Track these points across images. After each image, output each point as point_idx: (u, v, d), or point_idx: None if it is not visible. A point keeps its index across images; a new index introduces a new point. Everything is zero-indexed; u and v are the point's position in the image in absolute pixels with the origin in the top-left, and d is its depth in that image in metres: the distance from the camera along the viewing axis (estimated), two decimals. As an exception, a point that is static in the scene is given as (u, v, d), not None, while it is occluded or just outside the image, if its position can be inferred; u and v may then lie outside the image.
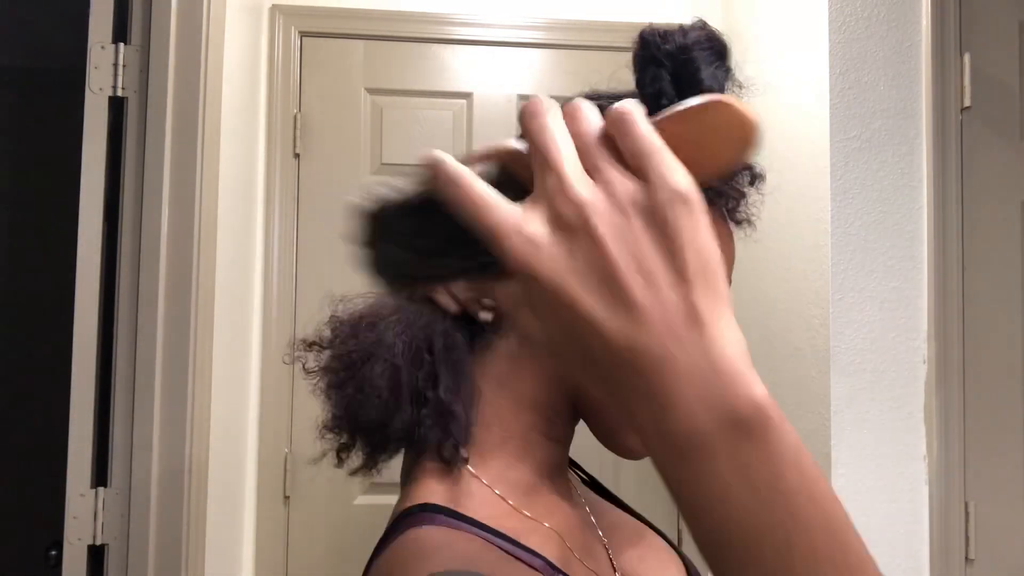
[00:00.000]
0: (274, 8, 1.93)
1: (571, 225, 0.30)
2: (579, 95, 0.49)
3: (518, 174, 0.34)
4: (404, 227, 0.37)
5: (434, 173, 0.33)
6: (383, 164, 1.96)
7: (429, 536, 0.48)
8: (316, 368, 0.58)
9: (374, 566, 0.49)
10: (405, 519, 0.51)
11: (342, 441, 0.57)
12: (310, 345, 0.59)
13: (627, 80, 0.55)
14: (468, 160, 0.34)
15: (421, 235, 0.37)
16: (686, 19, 0.52)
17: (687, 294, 0.30)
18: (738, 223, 0.58)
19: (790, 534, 0.29)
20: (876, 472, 1.38)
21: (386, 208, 0.37)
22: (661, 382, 0.30)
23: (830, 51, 1.42)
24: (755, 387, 0.30)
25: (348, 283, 0.56)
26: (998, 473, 1.40)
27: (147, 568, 1.26)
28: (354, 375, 0.55)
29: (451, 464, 0.54)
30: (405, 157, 1.97)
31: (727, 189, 0.56)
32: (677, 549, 0.68)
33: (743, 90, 0.53)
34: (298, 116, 1.94)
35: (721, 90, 0.49)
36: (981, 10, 1.44)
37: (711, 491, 0.30)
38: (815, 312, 1.45)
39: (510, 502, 0.55)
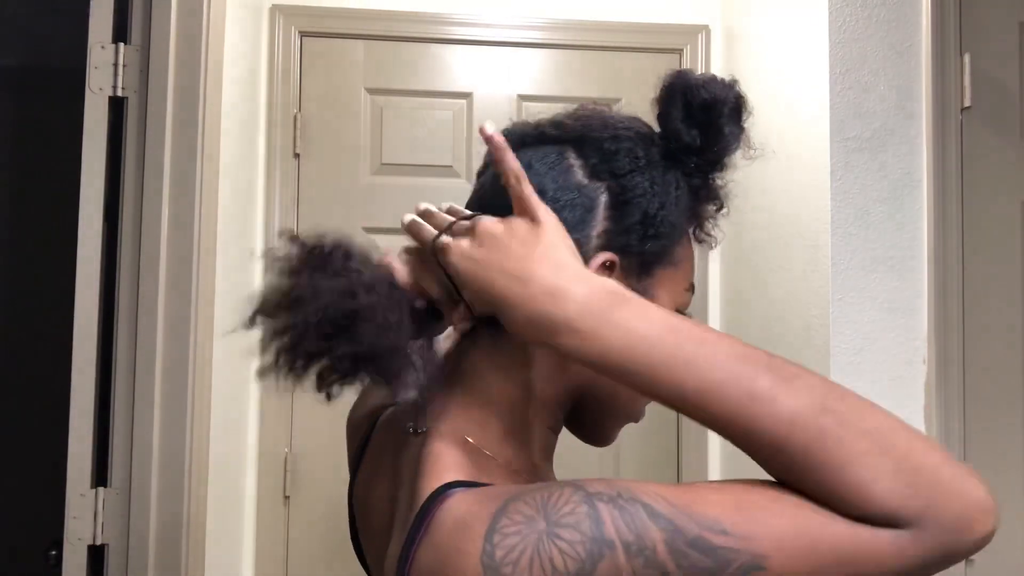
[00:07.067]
0: (274, 8, 1.93)
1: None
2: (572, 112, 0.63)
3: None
4: None
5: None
6: (383, 164, 1.96)
7: (464, 505, 0.49)
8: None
9: (420, 554, 0.49)
10: (435, 500, 0.51)
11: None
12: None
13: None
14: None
15: None
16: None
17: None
18: (699, 242, 0.66)
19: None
20: (876, 472, 1.38)
21: None
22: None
23: (830, 51, 1.42)
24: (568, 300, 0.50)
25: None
26: (998, 473, 1.40)
27: (147, 568, 1.26)
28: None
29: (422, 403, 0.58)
30: (405, 157, 1.97)
31: (697, 220, 0.65)
32: None
33: (750, 151, 0.61)
34: (298, 116, 1.94)
35: (737, 147, 0.61)
36: (981, 10, 1.44)
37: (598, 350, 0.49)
38: (815, 312, 1.45)
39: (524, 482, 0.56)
